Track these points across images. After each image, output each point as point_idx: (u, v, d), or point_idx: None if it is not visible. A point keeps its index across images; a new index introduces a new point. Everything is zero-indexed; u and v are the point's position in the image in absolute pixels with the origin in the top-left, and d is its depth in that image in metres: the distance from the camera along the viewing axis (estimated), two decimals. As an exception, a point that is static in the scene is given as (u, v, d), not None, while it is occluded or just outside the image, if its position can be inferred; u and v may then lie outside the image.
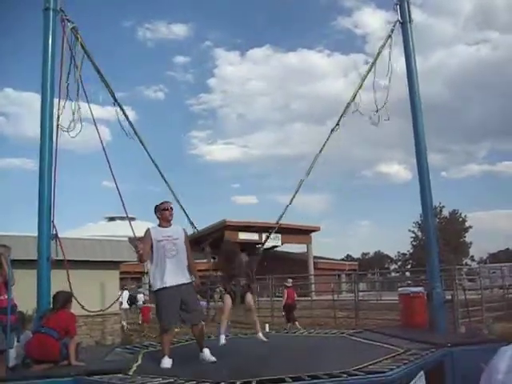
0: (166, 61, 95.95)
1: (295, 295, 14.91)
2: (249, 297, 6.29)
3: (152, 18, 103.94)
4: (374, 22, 75.87)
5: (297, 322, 14.03)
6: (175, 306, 5.69)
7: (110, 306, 8.18)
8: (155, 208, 6.06)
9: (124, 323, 16.56)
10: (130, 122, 7.24)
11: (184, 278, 5.81)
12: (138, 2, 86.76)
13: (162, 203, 6.07)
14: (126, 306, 18.58)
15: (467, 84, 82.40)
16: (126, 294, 18.73)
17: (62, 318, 5.64)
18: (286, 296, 14.44)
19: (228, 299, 6.20)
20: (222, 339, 5.95)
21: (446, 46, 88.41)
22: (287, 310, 14.29)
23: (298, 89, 74.95)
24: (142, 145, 7.18)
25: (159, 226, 6.00)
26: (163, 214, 5.99)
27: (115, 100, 7.15)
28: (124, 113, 7.28)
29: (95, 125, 6.99)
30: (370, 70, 8.61)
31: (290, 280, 15.39)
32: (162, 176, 7.28)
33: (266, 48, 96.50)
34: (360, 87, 8.47)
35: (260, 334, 6.23)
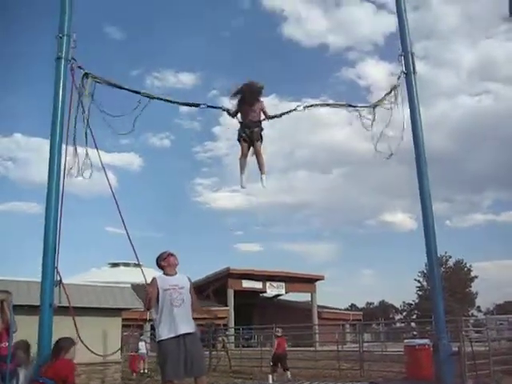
0: (173, 109, 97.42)
1: (286, 345, 14.62)
2: (258, 144, 6.89)
3: (160, 66, 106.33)
4: (377, 73, 77.41)
5: (288, 372, 13.73)
6: (179, 358, 5.55)
7: (115, 352, 8.04)
8: (157, 259, 6.01)
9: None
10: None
11: (189, 327, 5.71)
12: (146, 51, 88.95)
13: (163, 252, 6.05)
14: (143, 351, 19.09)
15: (470, 134, 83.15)
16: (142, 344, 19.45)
17: (61, 367, 5.51)
18: (276, 345, 14.19)
19: (244, 144, 6.81)
20: (244, 179, 6.56)
21: (448, 97, 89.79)
22: (277, 360, 14.01)
23: (302, 137, 75.73)
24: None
25: (164, 274, 5.94)
26: (169, 260, 5.95)
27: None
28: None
29: (104, 170, 7.01)
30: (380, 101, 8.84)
31: (280, 329, 15.22)
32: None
33: (271, 97, 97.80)
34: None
35: (264, 177, 6.76)
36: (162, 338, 5.63)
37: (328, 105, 8.94)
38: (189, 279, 6.08)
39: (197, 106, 7.91)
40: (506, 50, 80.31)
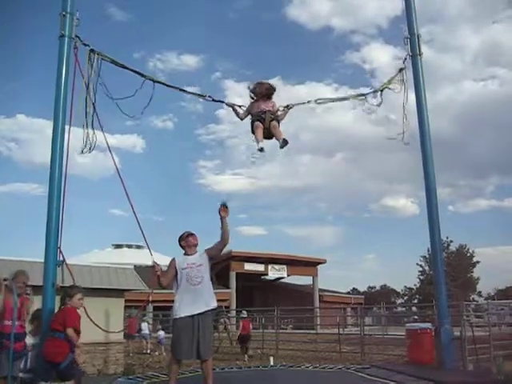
0: (176, 91, 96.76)
1: (250, 326, 15.03)
2: (273, 122, 6.59)
3: (163, 48, 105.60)
4: (382, 56, 76.85)
5: (250, 352, 14.08)
6: (189, 338, 5.69)
7: (121, 331, 8.07)
8: (179, 239, 6.17)
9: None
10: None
11: (205, 305, 5.82)
12: (149, 33, 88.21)
13: (183, 233, 6.19)
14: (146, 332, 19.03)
15: (475, 119, 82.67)
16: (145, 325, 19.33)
17: (62, 315, 5.58)
18: (241, 327, 14.83)
19: (258, 123, 6.53)
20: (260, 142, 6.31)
21: (453, 82, 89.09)
22: (241, 341, 14.41)
23: (307, 121, 75.39)
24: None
25: (184, 254, 6.09)
26: (188, 241, 6.10)
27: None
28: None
29: (110, 151, 6.95)
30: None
31: (245, 312, 16.24)
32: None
33: (275, 80, 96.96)
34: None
35: (281, 139, 6.38)
36: (176, 317, 5.80)
37: (340, 99, 8.87)
38: (205, 251, 6.14)
39: (202, 96, 7.85)
40: (511, 34, 79.61)
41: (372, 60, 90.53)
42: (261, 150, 6.21)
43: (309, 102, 7.86)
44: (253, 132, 6.71)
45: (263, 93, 6.72)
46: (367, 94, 8.86)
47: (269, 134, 6.57)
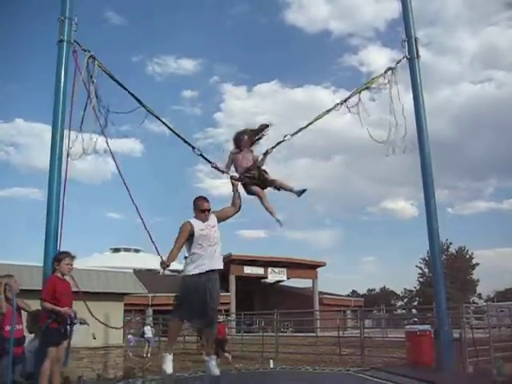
0: (173, 95, 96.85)
1: (226, 330, 15.09)
2: (268, 176, 6.63)
3: (161, 52, 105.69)
4: (380, 59, 76.69)
5: (226, 354, 14.04)
6: (195, 300, 5.62)
7: (123, 327, 8.06)
8: (194, 201, 6.10)
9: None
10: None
11: (218, 264, 5.89)
12: (147, 37, 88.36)
13: (199, 197, 6.16)
14: (149, 335, 19.34)
15: (472, 121, 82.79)
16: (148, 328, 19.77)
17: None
18: None
19: (255, 188, 6.52)
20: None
21: (451, 84, 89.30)
22: (216, 345, 14.42)
23: (303, 124, 75.31)
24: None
25: (196, 217, 6.01)
26: (203, 204, 6.04)
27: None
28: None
29: (112, 155, 6.96)
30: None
31: (220, 316, 15.93)
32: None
33: (273, 83, 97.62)
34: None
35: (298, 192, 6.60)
36: (187, 274, 5.75)
37: (316, 119, 8.38)
38: (214, 213, 6.15)
39: (192, 147, 7.36)
40: (508, 37, 79.91)
41: (370, 63, 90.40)
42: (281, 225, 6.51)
43: (285, 136, 7.63)
44: (249, 194, 6.63)
45: (248, 144, 6.72)
46: (341, 102, 8.53)
47: (263, 184, 6.61)
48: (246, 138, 6.72)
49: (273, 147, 7.31)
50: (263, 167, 6.78)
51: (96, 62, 7.00)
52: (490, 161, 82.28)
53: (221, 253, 6.05)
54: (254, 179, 6.53)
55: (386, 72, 8.86)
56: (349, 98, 8.51)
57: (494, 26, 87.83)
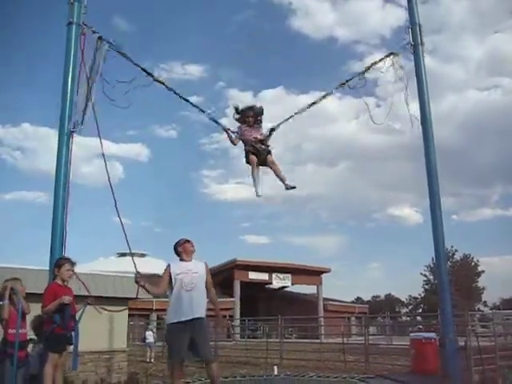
0: (180, 100, 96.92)
1: None
2: (269, 156, 6.87)
3: (167, 58, 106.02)
4: (385, 66, 76.76)
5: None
6: (184, 341, 5.64)
7: (125, 309, 8.07)
8: (175, 245, 6.14)
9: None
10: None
11: (198, 312, 5.76)
12: (153, 43, 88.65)
13: (180, 239, 6.17)
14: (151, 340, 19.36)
15: (478, 128, 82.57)
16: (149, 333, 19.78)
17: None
18: None
19: (252, 156, 6.77)
20: (258, 189, 6.73)
21: (457, 91, 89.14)
22: None
23: (309, 130, 75.22)
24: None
25: (180, 260, 6.08)
26: (185, 247, 6.09)
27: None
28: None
29: (104, 160, 6.78)
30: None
31: None
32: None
33: (279, 89, 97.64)
34: None
35: (287, 182, 6.80)
36: (168, 322, 5.85)
37: (322, 98, 8.76)
38: (205, 265, 6.15)
39: (202, 111, 7.80)
40: (514, 44, 79.63)
41: (375, 69, 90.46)
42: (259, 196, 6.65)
43: (296, 113, 7.84)
44: (247, 162, 6.89)
45: (254, 119, 6.94)
46: (350, 79, 8.96)
47: (262, 163, 6.84)
48: (252, 114, 6.96)
49: (279, 124, 7.55)
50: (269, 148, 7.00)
51: (105, 42, 6.93)
52: (496, 168, 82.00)
53: (204, 300, 5.94)
54: (255, 149, 6.76)
55: (387, 56, 8.86)
56: (350, 79, 8.63)
57: (500, 33, 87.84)
